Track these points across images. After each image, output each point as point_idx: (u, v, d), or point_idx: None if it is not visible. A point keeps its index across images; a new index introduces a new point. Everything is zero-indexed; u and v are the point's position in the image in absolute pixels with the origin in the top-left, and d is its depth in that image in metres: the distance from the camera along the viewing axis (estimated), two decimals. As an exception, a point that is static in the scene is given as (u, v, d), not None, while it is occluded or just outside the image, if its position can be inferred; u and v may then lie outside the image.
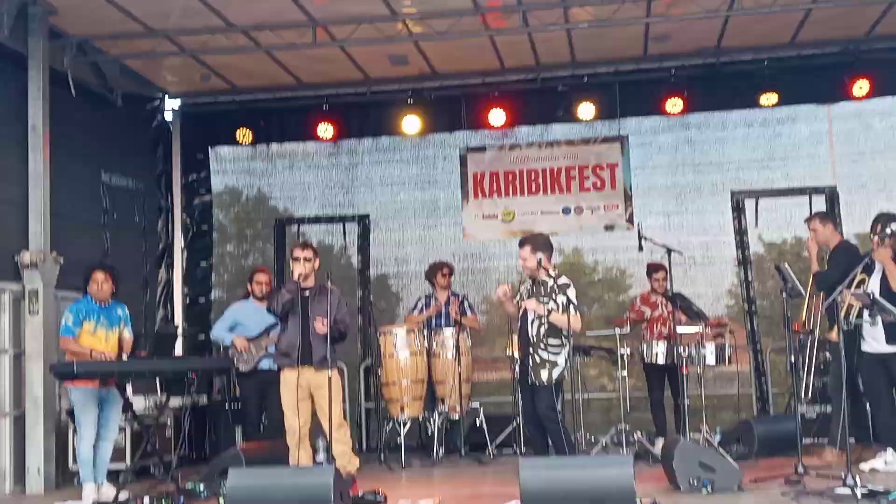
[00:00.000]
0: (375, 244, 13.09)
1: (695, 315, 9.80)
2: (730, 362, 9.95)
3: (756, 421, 9.29)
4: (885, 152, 11.75)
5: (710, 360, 9.66)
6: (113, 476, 9.04)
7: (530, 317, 8.15)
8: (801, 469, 7.52)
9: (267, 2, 10.08)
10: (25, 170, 10.04)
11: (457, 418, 10.35)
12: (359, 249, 13.11)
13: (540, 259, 8.06)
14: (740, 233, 11.88)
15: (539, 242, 8.22)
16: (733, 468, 7.52)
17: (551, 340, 7.92)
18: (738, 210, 11.80)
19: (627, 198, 12.37)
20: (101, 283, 9.01)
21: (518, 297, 8.29)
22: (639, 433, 9.56)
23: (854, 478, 6.86)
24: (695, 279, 11.80)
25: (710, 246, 11.92)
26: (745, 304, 11.83)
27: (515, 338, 8.52)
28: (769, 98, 11.75)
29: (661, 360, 9.75)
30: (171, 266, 13.23)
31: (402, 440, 10.12)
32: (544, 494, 6.31)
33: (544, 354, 7.94)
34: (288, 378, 8.40)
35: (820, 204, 11.60)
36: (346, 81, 12.56)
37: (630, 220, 12.20)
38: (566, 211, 12.48)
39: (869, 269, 8.30)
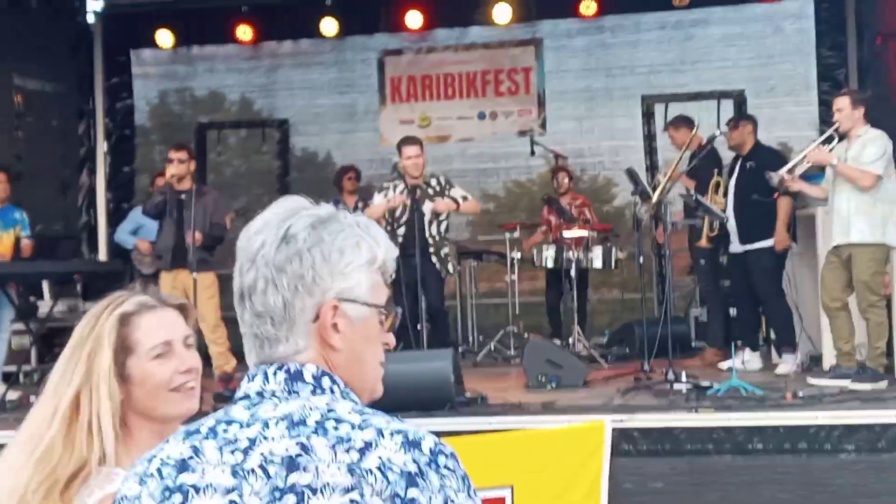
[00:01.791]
0: (295, 149, 13.17)
1: (568, 219, 9.79)
2: (617, 266, 9.88)
3: (638, 323, 9.31)
4: (793, 56, 11.71)
5: (598, 263, 9.67)
6: (14, 377, 9.04)
7: (428, 217, 8.39)
8: (646, 367, 7.72)
9: None
10: None
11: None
12: (278, 154, 13.14)
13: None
14: (649, 138, 11.88)
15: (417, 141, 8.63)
16: (579, 365, 7.76)
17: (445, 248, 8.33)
18: (647, 115, 11.80)
19: (541, 103, 12.40)
20: None
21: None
22: (527, 335, 9.79)
23: (678, 374, 7.17)
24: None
25: (619, 151, 11.84)
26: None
27: None
28: None
29: (549, 264, 9.75)
30: (93, 171, 13.10)
31: None
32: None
33: (447, 250, 8.39)
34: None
35: (728, 108, 11.56)
36: None
37: (543, 126, 12.27)
38: (481, 116, 12.51)
39: (731, 172, 8.50)
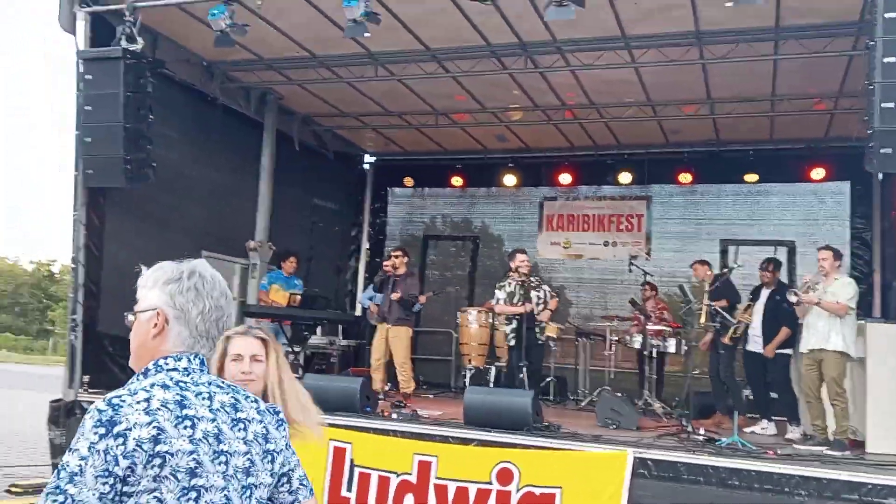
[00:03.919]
0: (481, 256, 13.17)
1: (646, 317, 9.49)
2: (686, 353, 9.21)
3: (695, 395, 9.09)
4: (833, 220, 11.24)
5: (671, 349, 9.35)
6: None
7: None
8: (685, 423, 7.36)
9: (412, 99, 10.79)
10: (257, 193, 10.79)
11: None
12: (470, 259, 13.15)
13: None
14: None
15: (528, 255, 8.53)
16: (634, 415, 7.55)
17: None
18: (723, 252, 11.43)
19: (648, 239, 12.22)
20: (290, 263, 9.86)
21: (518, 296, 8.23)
22: (618, 394, 9.56)
23: (698, 429, 6.94)
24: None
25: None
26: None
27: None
28: (752, 177, 11.51)
29: (636, 346, 9.57)
30: (358, 260, 13.76)
31: (466, 381, 9.85)
32: (477, 406, 6.77)
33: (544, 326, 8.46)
34: (380, 329, 8.77)
35: (782, 253, 10.90)
36: (470, 150, 12.83)
37: (648, 254, 12.05)
38: (605, 244, 12.44)
39: (755, 298, 8.26)
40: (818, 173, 11.09)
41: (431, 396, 10.10)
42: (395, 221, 13.88)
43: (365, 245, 13.82)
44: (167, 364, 1.72)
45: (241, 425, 1.71)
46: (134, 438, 1.53)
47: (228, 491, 1.64)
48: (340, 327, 11.64)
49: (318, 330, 10.78)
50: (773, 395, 8.34)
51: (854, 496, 5.45)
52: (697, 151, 11.81)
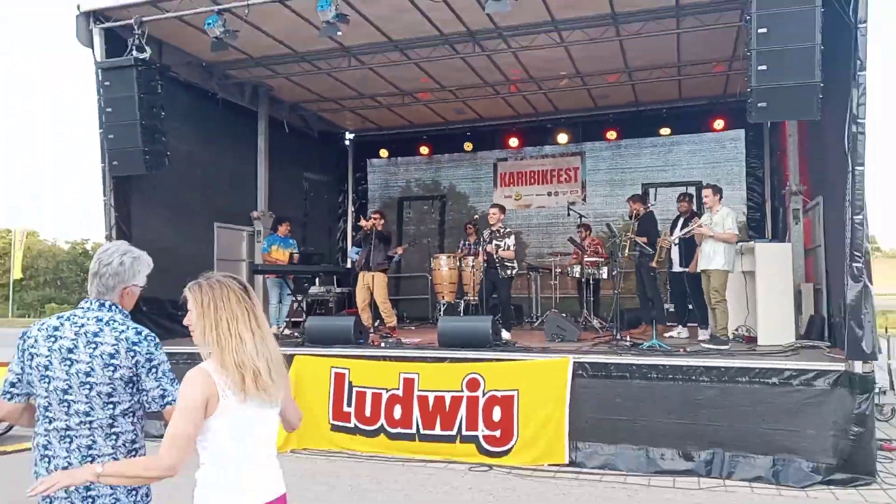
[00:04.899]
0: (448, 212, 13.13)
1: (581, 248, 9.73)
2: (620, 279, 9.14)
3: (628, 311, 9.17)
4: (731, 162, 11.48)
5: (605, 276, 9.58)
6: (292, 324, 9.33)
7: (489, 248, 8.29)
8: (615, 333, 7.70)
9: (381, 83, 10.82)
10: (256, 172, 10.79)
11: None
12: (439, 214, 13.20)
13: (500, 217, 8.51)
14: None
15: (502, 207, 8.60)
16: (575, 330, 7.76)
17: (506, 263, 8.28)
18: (644, 194, 11.23)
19: (583, 187, 12.36)
20: (284, 227, 9.91)
21: (483, 242, 8.33)
22: (562, 314, 9.79)
23: (625, 337, 7.22)
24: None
25: (624, 215, 11.41)
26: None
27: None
28: (665, 131, 11.70)
29: (576, 275, 9.78)
30: (346, 222, 13.80)
31: (441, 313, 9.90)
32: (448, 331, 6.98)
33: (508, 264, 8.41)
34: (361, 276, 8.79)
35: (692, 191, 11.06)
36: (433, 123, 12.82)
37: (584, 200, 12.22)
38: (549, 194, 12.58)
39: (673, 227, 8.52)
40: (719, 124, 11.31)
41: (413, 328, 10.30)
42: (375, 187, 13.88)
43: (350, 209, 13.86)
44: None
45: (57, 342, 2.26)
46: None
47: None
48: (335, 278, 11.79)
49: (316, 281, 10.92)
50: (691, 306, 8.63)
51: (745, 378, 5.87)
52: (621, 112, 11.91)
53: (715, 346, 6.86)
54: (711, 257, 7.16)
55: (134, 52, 7.51)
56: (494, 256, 8.10)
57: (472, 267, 9.70)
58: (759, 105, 5.77)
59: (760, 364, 5.87)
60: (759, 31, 5.73)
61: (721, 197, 7.46)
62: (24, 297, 41.77)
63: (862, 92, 5.57)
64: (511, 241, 8.27)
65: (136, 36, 7.55)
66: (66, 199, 79.82)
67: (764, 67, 5.72)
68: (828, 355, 6.16)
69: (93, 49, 7.87)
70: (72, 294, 48.04)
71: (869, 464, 5.50)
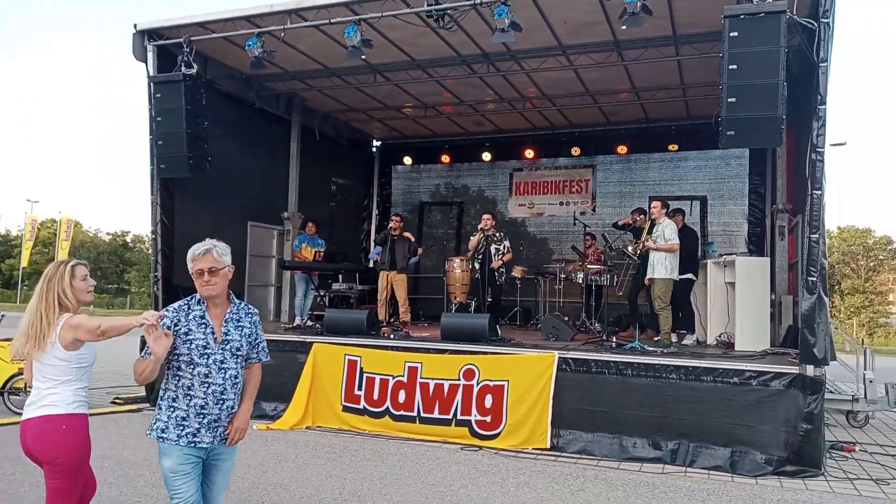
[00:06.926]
0: (466, 217, 13.60)
1: (583, 256, 10.23)
2: (620, 286, 9.91)
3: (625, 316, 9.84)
4: (735, 178, 11.87)
5: (605, 282, 9.87)
6: (314, 317, 10.07)
7: (492, 251, 8.95)
8: (604, 335, 8.26)
9: (406, 97, 11.66)
10: (288, 175, 11.65)
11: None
12: (457, 219, 13.76)
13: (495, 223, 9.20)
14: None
15: (495, 212, 9.25)
16: (568, 331, 8.30)
17: (501, 268, 8.88)
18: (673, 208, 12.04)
19: (593, 198, 12.89)
20: (310, 227, 10.58)
21: (480, 244, 8.97)
22: (558, 315, 10.41)
23: (611, 339, 7.78)
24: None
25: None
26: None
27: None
28: (673, 147, 12.16)
29: (579, 281, 10.01)
30: (370, 224, 14.48)
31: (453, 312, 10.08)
32: (449, 327, 7.67)
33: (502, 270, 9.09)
34: (382, 276, 9.47)
35: (696, 204, 11.74)
36: (455, 133, 13.54)
37: (594, 210, 12.73)
38: (560, 203, 13.10)
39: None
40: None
41: (426, 325, 10.95)
42: (398, 192, 14.53)
43: (374, 212, 14.54)
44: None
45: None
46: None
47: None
48: (357, 275, 12.57)
49: (340, 277, 11.64)
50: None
51: (710, 377, 6.53)
52: (631, 128, 12.43)
53: (648, 348, 7.36)
54: (655, 267, 7.79)
55: (182, 69, 8.46)
56: (496, 271, 8.75)
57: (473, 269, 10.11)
58: (728, 133, 6.43)
59: (724, 365, 6.52)
60: (730, 67, 6.38)
61: (668, 209, 8.01)
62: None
63: (821, 124, 6.23)
64: (507, 243, 8.94)
65: (185, 54, 8.48)
66: (107, 193, 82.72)
67: (734, 100, 6.37)
68: (792, 360, 6.72)
69: (146, 63, 8.83)
70: (111, 284, 49.98)
71: (816, 458, 6.11)
